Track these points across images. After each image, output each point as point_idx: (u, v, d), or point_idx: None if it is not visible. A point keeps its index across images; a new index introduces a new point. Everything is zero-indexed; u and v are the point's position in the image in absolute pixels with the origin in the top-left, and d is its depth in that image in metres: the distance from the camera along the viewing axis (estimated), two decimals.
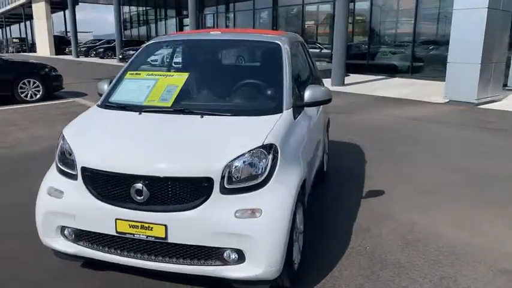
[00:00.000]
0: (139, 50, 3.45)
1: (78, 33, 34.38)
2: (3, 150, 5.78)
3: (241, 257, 2.25)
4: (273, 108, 2.72)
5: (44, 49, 39.48)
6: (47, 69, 10.31)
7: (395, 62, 16.03)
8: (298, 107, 2.90)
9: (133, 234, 2.29)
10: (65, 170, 2.48)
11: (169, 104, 2.78)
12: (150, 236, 2.27)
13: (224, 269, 2.28)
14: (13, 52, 47.34)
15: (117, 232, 2.31)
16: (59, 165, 2.54)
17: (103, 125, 2.75)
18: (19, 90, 9.80)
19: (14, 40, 54.53)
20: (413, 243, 3.18)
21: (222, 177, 2.24)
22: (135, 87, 3.03)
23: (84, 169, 2.38)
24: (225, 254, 2.26)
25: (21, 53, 44.22)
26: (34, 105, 9.38)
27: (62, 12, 45.97)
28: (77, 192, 2.40)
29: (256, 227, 2.21)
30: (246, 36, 3.49)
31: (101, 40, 36.17)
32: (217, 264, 2.29)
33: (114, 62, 26.50)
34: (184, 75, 3.00)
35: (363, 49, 17.22)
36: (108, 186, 2.33)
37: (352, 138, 6.34)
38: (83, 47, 34.58)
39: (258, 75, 3.24)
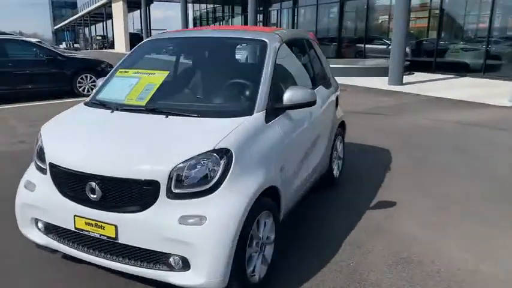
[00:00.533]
0: (134, 48, 3.49)
1: (152, 31, 36.15)
2: None
3: (186, 264, 2.17)
4: (243, 110, 2.58)
5: (120, 46, 42.16)
6: (103, 65, 10.95)
7: (466, 59, 14.77)
8: (276, 109, 2.73)
9: (89, 232, 2.31)
10: (39, 164, 2.57)
11: (143, 103, 2.76)
12: (102, 235, 2.28)
13: (170, 275, 2.22)
14: (96, 49, 51.20)
15: (75, 228, 2.35)
16: (35, 159, 2.64)
17: (77, 123, 2.80)
18: (77, 85, 10.53)
19: (97, 38, 58.89)
20: (405, 264, 2.87)
21: (169, 181, 2.17)
22: (121, 85, 3.05)
23: (51, 165, 2.45)
24: (171, 260, 2.20)
25: (103, 50, 47.57)
26: None
27: (139, 11, 48.67)
28: (46, 187, 2.47)
29: (199, 235, 2.11)
30: (234, 34, 3.37)
31: None
32: (164, 269, 2.23)
33: None
34: (164, 74, 2.96)
35: (430, 46, 16.10)
36: (68, 183, 2.38)
37: (386, 143, 5.93)
38: None
39: (237, 74, 3.11)
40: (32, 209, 2.53)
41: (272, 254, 2.65)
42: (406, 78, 12.92)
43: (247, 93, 2.74)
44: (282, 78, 3.01)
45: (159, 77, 2.94)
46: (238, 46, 3.22)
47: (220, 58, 3.28)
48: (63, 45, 58.22)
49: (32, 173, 2.64)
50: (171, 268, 2.22)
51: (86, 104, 3.03)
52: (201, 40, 3.42)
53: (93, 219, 2.28)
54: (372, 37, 19.21)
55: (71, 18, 72.69)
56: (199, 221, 2.12)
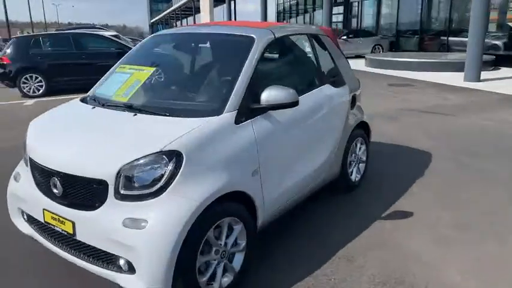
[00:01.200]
0: (137, 45, 3.54)
1: None
2: None
3: (131, 267, 2.14)
4: (212, 110, 2.46)
5: None
6: None
7: None
8: (253, 109, 2.58)
9: (54, 226, 2.39)
10: (25, 156, 2.72)
11: (126, 99, 2.78)
12: (63, 230, 2.34)
13: (118, 277, 2.20)
14: None
15: (44, 221, 2.45)
16: (23, 152, 2.80)
17: (61, 118, 2.90)
18: None
19: None
20: (393, 285, 2.56)
21: (117, 182, 2.15)
22: (116, 81, 3.11)
23: (30, 158, 2.57)
24: (120, 261, 2.19)
25: None
26: None
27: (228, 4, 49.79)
28: (27, 179, 2.60)
29: (140, 239, 2.07)
30: (223, 30, 3.22)
31: None
32: (114, 270, 2.22)
33: None
34: (151, 70, 2.95)
35: None
36: (40, 177, 2.48)
37: (432, 145, 5.39)
38: None
39: (216, 72, 2.97)
40: (17, 199, 2.66)
41: (242, 263, 2.52)
42: (487, 74, 11.67)
43: (222, 91, 2.60)
44: (268, 77, 2.85)
45: (145, 73, 2.94)
46: (226, 42, 3.08)
47: (203, 55, 3.19)
48: None
49: (21, 165, 2.80)
50: (120, 270, 2.20)
51: (82, 99, 3.13)
52: (191, 36, 3.37)
53: (56, 214, 2.34)
54: (456, 29, 17.60)
55: (165, 12, 76.96)
56: (140, 225, 2.07)
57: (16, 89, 10.31)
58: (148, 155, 2.14)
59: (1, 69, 10.27)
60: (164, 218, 2.08)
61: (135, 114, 2.53)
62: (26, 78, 10.26)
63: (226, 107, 2.47)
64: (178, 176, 2.14)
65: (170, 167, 2.14)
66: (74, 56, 10.59)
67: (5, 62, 10.26)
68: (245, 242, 2.52)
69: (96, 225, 2.18)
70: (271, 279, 2.65)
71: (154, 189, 2.13)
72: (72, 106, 3.03)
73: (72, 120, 2.78)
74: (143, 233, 2.06)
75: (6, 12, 34.56)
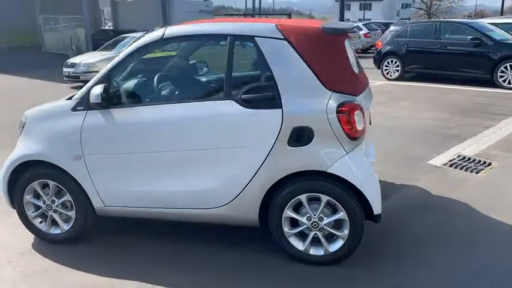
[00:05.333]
0: None
1: None
2: None
3: None
4: (69, 97, 3.13)
5: None
6: None
7: None
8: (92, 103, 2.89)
9: None
10: None
11: None
12: None
13: None
14: None
15: None
16: None
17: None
18: (499, 74, 9.15)
19: None
20: None
21: None
22: None
23: None
24: None
25: None
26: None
27: None
28: None
29: None
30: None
31: None
32: None
33: None
34: None
35: None
36: None
37: None
38: None
39: None
40: None
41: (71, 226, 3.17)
42: None
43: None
44: (134, 75, 2.96)
45: None
46: None
47: None
48: None
49: None
50: None
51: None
52: None
53: None
54: None
55: None
56: None
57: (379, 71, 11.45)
58: None
59: (375, 52, 11.69)
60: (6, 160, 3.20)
61: None
62: (388, 62, 11.14)
63: (75, 96, 3.02)
64: (21, 134, 3.16)
65: (21, 128, 3.19)
66: (434, 44, 10.25)
67: (377, 47, 11.55)
68: (74, 211, 3.12)
69: None
70: None
71: None
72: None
73: None
74: None
75: None
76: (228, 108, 2.73)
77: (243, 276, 2.78)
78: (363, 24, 20.66)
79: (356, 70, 3.08)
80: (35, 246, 3.22)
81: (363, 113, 2.71)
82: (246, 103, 2.70)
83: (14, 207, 3.24)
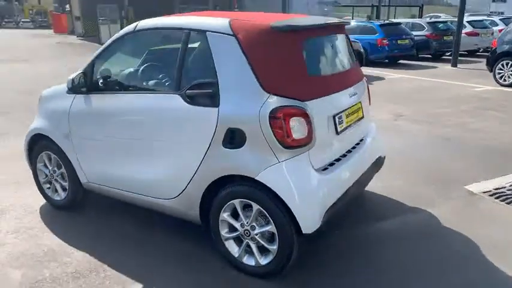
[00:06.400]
0: None
1: None
2: None
3: None
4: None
5: None
6: None
7: None
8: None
9: None
10: None
11: None
12: None
13: None
14: None
15: None
16: None
17: None
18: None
19: None
20: None
21: None
22: None
23: None
24: None
25: None
26: None
27: None
28: None
29: None
30: None
31: None
32: None
33: None
34: None
35: None
36: None
37: None
38: None
39: None
40: None
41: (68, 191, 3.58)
42: None
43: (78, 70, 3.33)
44: (112, 66, 3.20)
45: None
46: None
47: None
48: None
49: None
50: None
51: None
52: None
53: None
54: None
55: None
56: None
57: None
58: None
59: (489, 54, 10.13)
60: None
61: None
62: (502, 65, 9.57)
63: (69, 81, 3.36)
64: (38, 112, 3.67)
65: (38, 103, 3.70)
66: None
67: (493, 46, 9.98)
68: (67, 184, 3.54)
69: None
70: None
71: None
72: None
73: None
74: None
75: None
76: (173, 102, 2.76)
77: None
78: (500, 19, 17.92)
79: (331, 70, 2.83)
80: (42, 208, 3.72)
81: (308, 120, 2.47)
82: (190, 99, 2.69)
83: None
